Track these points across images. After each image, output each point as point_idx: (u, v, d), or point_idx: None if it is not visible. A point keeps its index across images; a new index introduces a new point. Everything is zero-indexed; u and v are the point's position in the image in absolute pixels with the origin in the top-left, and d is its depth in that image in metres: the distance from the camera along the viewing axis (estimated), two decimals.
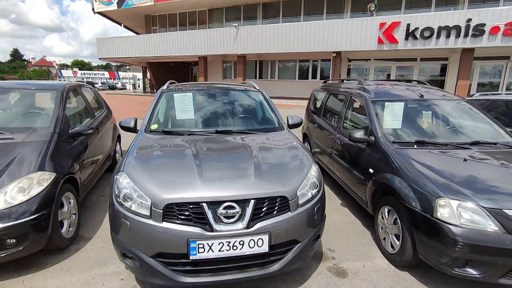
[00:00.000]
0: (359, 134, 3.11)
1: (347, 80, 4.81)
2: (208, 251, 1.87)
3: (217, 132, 2.90)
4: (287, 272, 2.41)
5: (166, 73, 24.88)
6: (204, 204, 1.90)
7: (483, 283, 2.32)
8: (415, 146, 2.86)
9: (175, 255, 1.89)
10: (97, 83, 48.87)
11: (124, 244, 1.97)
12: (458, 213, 2.08)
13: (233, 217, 1.92)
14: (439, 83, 16.80)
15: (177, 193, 1.93)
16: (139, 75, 38.92)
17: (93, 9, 21.85)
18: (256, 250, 1.94)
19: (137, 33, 27.04)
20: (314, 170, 2.35)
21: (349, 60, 18.88)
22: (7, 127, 2.88)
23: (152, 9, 21.72)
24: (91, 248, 2.78)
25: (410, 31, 13.96)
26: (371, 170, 2.95)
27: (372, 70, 18.51)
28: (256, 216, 1.96)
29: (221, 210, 1.90)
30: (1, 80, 4.90)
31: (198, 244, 1.85)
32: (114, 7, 21.24)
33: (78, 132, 3.20)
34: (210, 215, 1.89)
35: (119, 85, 49.28)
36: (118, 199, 2.03)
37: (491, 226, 2.01)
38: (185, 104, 3.23)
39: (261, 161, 2.30)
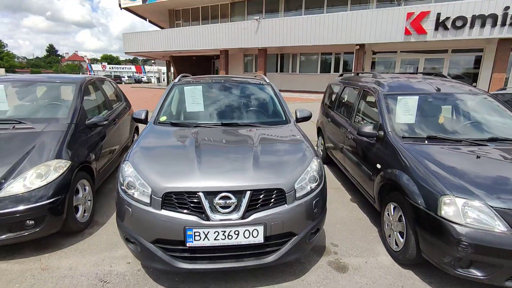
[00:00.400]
0: (368, 128, 3.04)
1: (363, 73, 4.67)
2: (204, 239, 1.93)
3: (223, 124, 2.95)
4: (286, 264, 2.44)
5: (189, 66, 25.30)
6: (201, 194, 1.95)
7: (488, 285, 2.21)
8: (426, 141, 2.75)
9: (173, 242, 1.97)
10: (124, 77, 50.76)
11: (127, 230, 2.07)
12: (464, 212, 1.99)
13: (229, 207, 1.96)
14: (473, 76, 15.84)
15: (175, 182, 2.00)
16: (164, 69, 39.92)
17: (119, 5, 22.58)
18: (251, 240, 1.97)
19: (161, 28, 27.65)
20: (315, 164, 2.34)
21: (374, 53, 18.23)
22: (29, 118, 3.09)
23: (175, 4, 22.09)
24: (104, 232, 2.94)
25: (440, 21, 13.24)
26: (378, 166, 2.88)
27: (398, 63, 17.76)
28: (252, 207, 1.99)
29: (217, 200, 1.95)
30: (37, 74, 5.20)
31: (194, 232, 1.92)
32: (139, 2, 21.83)
33: (94, 123, 3.38)
34: (206, 205, 1.94)
35: (144, 79, 50.87)
36: (122, 187, 2.14)
37: (499, 226, 1.92)
38: (195, 97, 3.30)
39: (261, 153, 2.32)
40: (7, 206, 2.34)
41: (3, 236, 2.37)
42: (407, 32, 14.04)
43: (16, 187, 2.41)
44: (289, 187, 2.07)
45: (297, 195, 2.11)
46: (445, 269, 2.07)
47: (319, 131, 5.59)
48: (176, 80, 3.74)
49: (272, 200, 2.03)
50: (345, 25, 15.36)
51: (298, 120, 3.33)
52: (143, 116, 3.15)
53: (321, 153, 5.36)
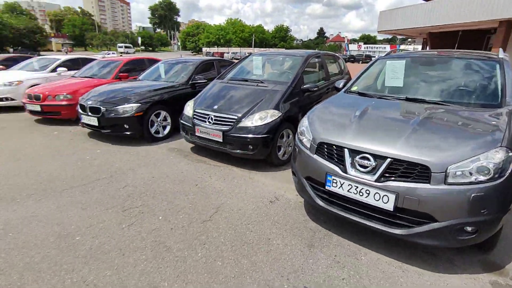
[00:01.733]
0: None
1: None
2: (339, 188, 2.25)
3: (406, 99, 2.83)
4: (433, 255, 2.25)
5: (451, 44, 21.48)
6: (346, 150, 2.24)
7: None
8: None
9: (318, 182, 2.43)
10: (374, 56, 51.14)
11: (293, 165, 2.77)
12: None
13: (366, 167, 2.12)
14: None
15: (330, 136, 2.40)
16: (420, 48, 36.14)
17: None
18: (381, 204, 2.06)
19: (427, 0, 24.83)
20: (498, 156, 1.88)
21: None
22: (266, 80, 4.45)
23: None
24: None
25: None
26: None
27: None
28: (390, 175, 2.04)
29: (357, 159, 2.17)
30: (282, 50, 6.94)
31: (333, 179, 2.27)
32: None
33: (307, 88, 4.27)
34: (348, 160, 2.22)
35: None
36: (297, 134, 2.82)
37: None
38: (395, 72, 3.26)
39: (423, 128, 2.18)
40: (242, 133, 3.73)
41: (237, 151, 3.81)
42: None
43: (248, 122, 3.75)
44: (438, 167, 1.89)
45: (450, 180, 1.88)
46: None
47: None
48: (383, 54, 3.80)
49: (413, 175, 1.97)
50: None
51: None
52: (341, 86, 3.61)
53: None
